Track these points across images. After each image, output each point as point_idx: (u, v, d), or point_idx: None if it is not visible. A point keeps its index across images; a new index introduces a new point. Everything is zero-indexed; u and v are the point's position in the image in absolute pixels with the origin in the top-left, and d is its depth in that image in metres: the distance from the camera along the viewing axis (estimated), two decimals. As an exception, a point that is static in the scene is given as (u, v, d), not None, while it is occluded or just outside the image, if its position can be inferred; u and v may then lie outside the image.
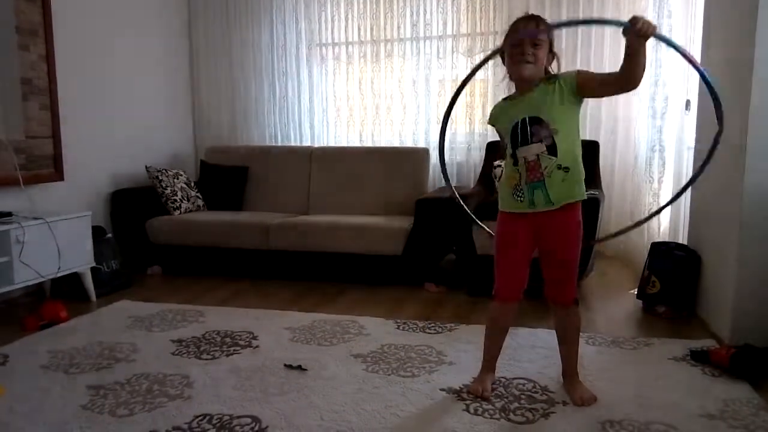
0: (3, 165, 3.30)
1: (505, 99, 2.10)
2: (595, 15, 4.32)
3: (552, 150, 1.93)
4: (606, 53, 4.34)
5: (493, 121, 2.14)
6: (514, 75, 1.99)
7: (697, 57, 3.30)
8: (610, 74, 1.91)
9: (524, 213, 2.01)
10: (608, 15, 4.31)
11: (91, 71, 4.06)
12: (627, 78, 1.83)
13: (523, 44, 1.91)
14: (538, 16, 1.97)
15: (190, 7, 5.10)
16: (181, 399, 2.15)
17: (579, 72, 1.96)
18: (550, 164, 1.93)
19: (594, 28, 4.33)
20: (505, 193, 2.07)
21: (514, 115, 1.98)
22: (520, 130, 1.96)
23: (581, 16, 4.34)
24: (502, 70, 2.06)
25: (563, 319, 2.16)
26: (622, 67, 1.83)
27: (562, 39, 4.35)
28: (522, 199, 2.00)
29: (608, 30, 4.32)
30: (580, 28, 4.33)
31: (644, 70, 1.81)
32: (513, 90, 2.07)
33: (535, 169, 1.94)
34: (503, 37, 2.03)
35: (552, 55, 1.98)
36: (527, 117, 1.95)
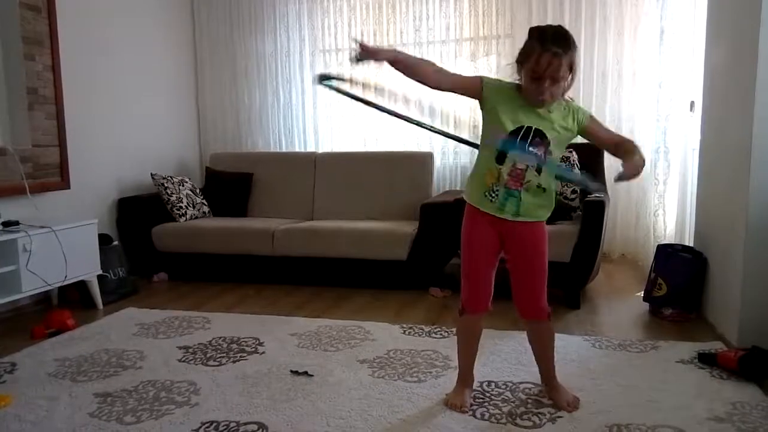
0: (10, 174, 3.33)
1: (514, 89, 1.93)
2: (598, 17, 4.32)
3: (539, 168, 1.92)
4: (609, 53, 4.34)
5: (493, 93, 1.93)
6: (528, 96, 1.89)
7: (701, 59, 3.31)
8: (611, 140, 1.99)
9: (494, 217, 1.96)
10: (611, 18, 4.31)
11: (97, 80, 4.08)
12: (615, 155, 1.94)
13: (543, 81, 1.82)
14: (569, 38, 1.83)
15: (195, 16, 5.13)
16: (188, 406, 2.15)
17: (592, 119, 1.98)
18: (533, 180, 1.92)
19: (597, 28, 4.32)
20: (478, 187, 1.99)
21: (522, 119, 1.90)
22: (522, 134, 1.90)
23: (583, 19, 4.34)
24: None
25: (538, 334, 2.14)
26: (618, 150, 1.93)
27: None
28: (494, 200, 1.95)
29: (612, 31, 4.31)
30: (584, 28, 4.33)
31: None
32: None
33: (518, 177, 1.91)
34: (529, 43, 1.85)
35: (571, 76, 1.88)
36: (534, 127, 1.90)
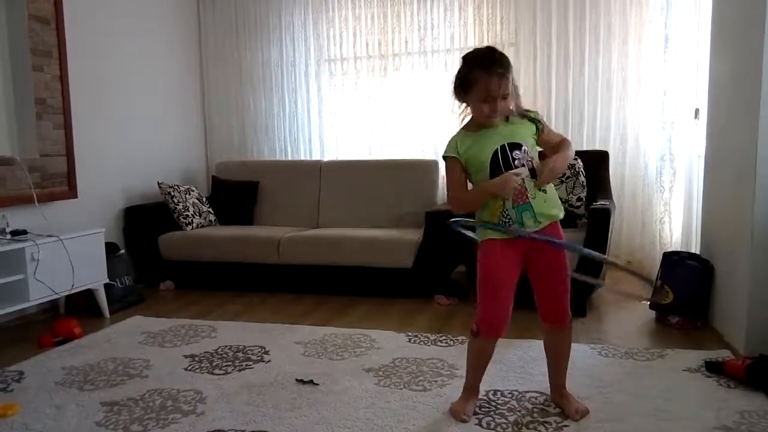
0: (18, 183, 3.36)
1: (465, 130, 2.03)
2: (602, 25, 4.33)
3: (533, 173, 1.96)
4: (613, 60, 4.34)
5: (461, 151, 2.01)
6: (480, 120, 1.97)
7: (705, 66, 3.31)
8: (557, 140, 2.06)
9: (513, 239, 1.98)
10: (615, 26, 4.31)
11: (104, 90, 4.12)
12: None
13: (495, 100, 1.89)
14: (504, 56, 1.90)
15: (201, 26, 5.17)
16: (194, 415, 2.16)
17: (544, 128, 2.04)
18: (533, 186, 1.96)
19: (602, 36, 4.33)
20: (488, 217, 2.01)
21: (490, 145, 1.96)
22: (501, 157, 1.94)
23: (588, 27, 4.35)
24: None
25: (558, 341, 2.14)
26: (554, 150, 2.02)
27: (569, 46, 4.35)
28: (511, 224, 1.97)
29: (616, 38, 4.32)
30: (588, 35, 4.34)
31: (567, 164, 2.04)
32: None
33: (521, 192, 1.94)
34: (469, 72, 1.92)
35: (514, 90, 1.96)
36: (506, 144, 1.95)
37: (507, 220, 1.97)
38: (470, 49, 2.01)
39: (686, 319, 3.04)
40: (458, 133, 2.06)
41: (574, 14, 4.36)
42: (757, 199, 2.49)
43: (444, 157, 2.06)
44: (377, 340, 2.93)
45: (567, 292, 2.07)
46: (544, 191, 1.99)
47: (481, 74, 1.88)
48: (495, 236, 2.01)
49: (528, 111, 2.05)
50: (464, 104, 2.01)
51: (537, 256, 2.02)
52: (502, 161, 1.95)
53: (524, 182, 1.94)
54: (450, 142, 2.06)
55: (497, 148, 1.95)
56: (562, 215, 2.06)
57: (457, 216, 2.08)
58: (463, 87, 1.95)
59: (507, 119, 2.00)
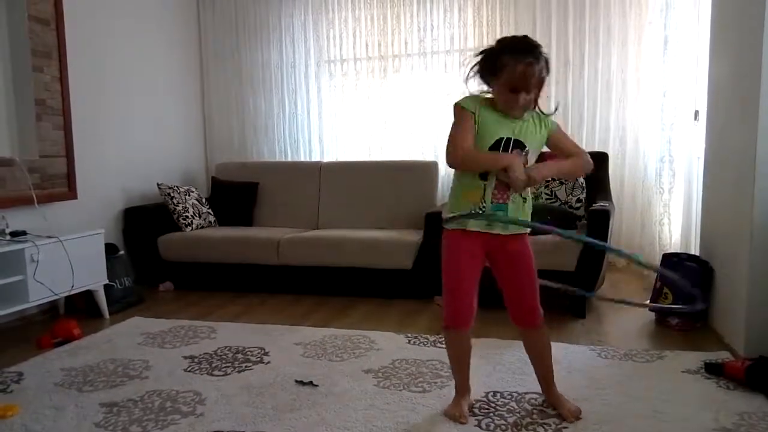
0: (17, 184, 3.35)
1: (486, 100, 1.96)
2: (602, 27, 4.34)
3: None
4: (613, 62, 4.35)
5: (477, 113, 1.93)
6: (503, 108, 1.92)
7: (705, 68, 3.31)
8: (574, 150, 2.03)
9: (479, 233, 1.96)
10: (615, 28, 4.33)
11: (103, 91, 4.12)
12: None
13: (518, 92, 1.85)
14: (539, 47, 1.87)
15: (201, 27, 5.18)
16: (193, 416, 2.16)
17: (558, 130, 2.01)
18: (515, 190, 1.93)
19: (601, 37, 4.34)
20: (462, 205, 1.98)
21: (499, 131, 1.93)
22: (503, 147, 1.92)
23: (587, 28, 4.36)
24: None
25: (534, 341, 2.14)
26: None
27: (569, 50, 4.36)
28: (480, 218, 1.95)
29: (616, 40, 4.33)
30: (588, 37, 4.35)
31: (576, 171, 2.11)
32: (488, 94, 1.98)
33: (503, 191, 1.93)
34: (500, 55, 1.87)
35: (541, 85, 1.92)
36: (512, 138, 1.93)
37: (481, 211, 1.95)
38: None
39: (686, 320, 3.04)
40: (481, 96, 1.96)
41: (574, 16, 4.37)
42: (757, 200, 2.49)
43: (458, 106, 1.95)
44: (377, 341, 2.93)
45: (534, 292, 2.06)
46: (524, 199, 1.97)
47: (513, 62, 1.83)
48: (461, 225, 1.98)
49: (547, 114, 2.00)
50: (487, 86, 1.94)
51: (501, 258, 2.02)
52: (500, 151, 1.92)
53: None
54: (470, 97, 1.96)
55: (503, 138, 1.92)
56: (527, 231, 2.04)
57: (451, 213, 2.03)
58: (492, 70, 1.89)
59: (527, 115, 1.95)
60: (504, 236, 1.98)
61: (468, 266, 2.02)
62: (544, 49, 1.91)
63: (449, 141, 1.95)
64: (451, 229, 2.02)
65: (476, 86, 1.97)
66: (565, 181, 3.74)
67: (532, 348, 2.16)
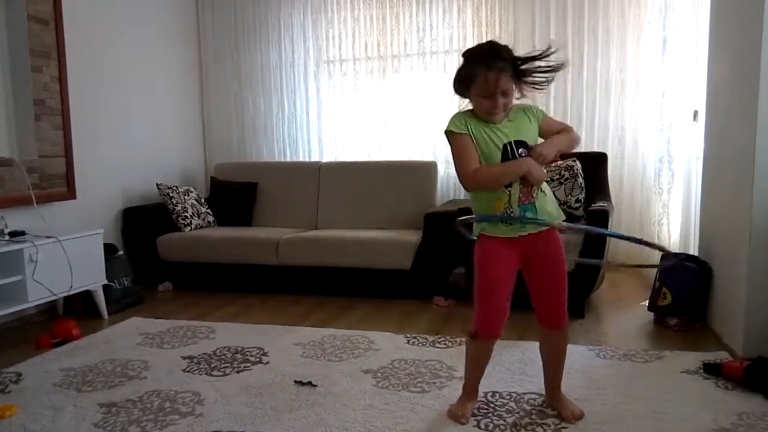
0: (16, 184, 3.35)
1: (469, 113, 1.98)
2: (601, 27, 4.34)
3: None
4: (612, 62, 4.35)
5: (471, 129, 1.94)
6: (485, 116, 1.94)
7: (704, 68, 3.31)
8: (561, 129, 2.04)
9: (513, 238, 1.97)
10: (613, 28, 4.33)
11: (103, 91, 4.12)
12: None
13: (495, 96, 1.87)
14: (504, 50, 1.89)
15: (200, 27, 5.17)
16: (192, 416, 2.15)
17: (545, 115, 2.03)
18: (537, 186, 1.95)
19: (600, 37, 4.35)
20: (490, 213, 1.97)
21: (497, 138, 1.93)
22: (510, 153, 1.92)
23: (586, 28, 4.36)
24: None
25: (555, 343, 2.13)
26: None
27: (568, 47, 4.36)
28: (512, 222, 1.95)
29: (615, 40, 4.33)
30: (587, 37, 4.35)
31: (571, 144, 2.03)
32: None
33: (527, 192, 1.93)
34: (469, 67, 1.90)
35: (517, 83, 1.93)
36: (513, 140, 1.93)
37: (510, 215, 1.95)
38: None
39: (684, 320, 3.05)
40: (464, 112, 1.99)
41: (573, 16, 4.38)
42: (756, 200, 2.50)
43: (450, 133, 1.96)
44: (376, 341, 2.93)
45: (564, 293, 2.06)
46: (544, 192, 1.99)
47: (481, 70, 1.87)
48: (493, 233, 1.99)
49: (528, 106, 2.02)
50: (467, 99, 1.98)
51: (535, 257, 2.01)
52: (512, 157, 1.92)
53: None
54: (455, 119, 1.97)
55: (505, 144, 1.93)
56: (561, 215, 2.05)
57: (464, 215, 2.05)
58: (464, 83, 1.93)
59: (513, 112, 1.97)
60: (537, 233, 1.98)
61: (503, 275, 2.00)
62: (513, 48, 1.94)
63: (458, 170, 1.97)
64: (486, 235, 2.00)
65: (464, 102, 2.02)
66: (564, 181, 3.74)
67: (550, 349, 2.15)
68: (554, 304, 2.06)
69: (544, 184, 2.00)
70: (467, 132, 1.94)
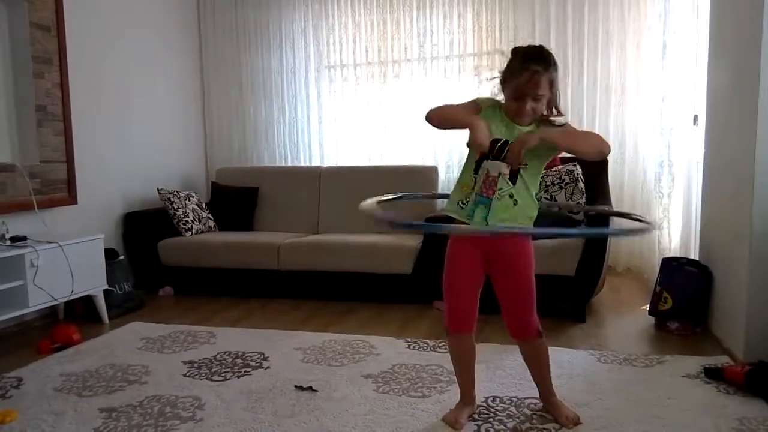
0: (18, 190, 3.36)
1: (498, 106, 1.98)
2: (601, 31, 4.35)
3: (513, 178, 1.92)
4: (612, 67, 4.36)
5: (487, 114, 1.96)
6: (512, 114, 1.94)
7: (704, 72, 3.32)
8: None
9: (476, 237, 1.98)
10: (614, 32, 4.34)
11: (104, 97, 4.13)
12: (582, 156, 1.99)
13: (525, 99, 1.87)
14: (549, 57, 1.88)
15: (201, 33, 5.19)
16: (192, 421, 2.15)
17: (569, 127, 1.99)
18: (505, 188, 1.92)
19: (600, 42, 4.36)
20: (454, 198, 2.01)
21: (500, 133, 1.94)
22: (498, 146, 1.92)
23: (586, 32, 4.37)
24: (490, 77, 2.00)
25: (531, 354, 2.13)
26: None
27: (568, 52, 4.37)
28: (464, 207, 1.96)
29: (615, 45, 4.35)
30: (587, 42, 4.36)
31: (591, 147, 1.95)
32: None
33: (490, 185, 1.92)
34: (511, 62, 1.91)
35: (553, 93, 1.91)
36: (507, 140, 1.93)
37: (466, 202, 1.96)
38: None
39: (685, 325, 3.04)
40: (497, 102, 1.99)
41: (573, 21, 4.39)
42: (756, 204, 2.50)
43: (474, 99, 2.02)
44: (376, 346, 2.93)
45: (529, 302, 2.03)
46: (515, 202, 1.92)
47: (518, 69, 1.86)
48: (452, 214, 2.00)
49: (558, 124, 1.97)
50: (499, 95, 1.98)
51: (498, 264, 2.02)
52: (497, 150, 1.91)
53: (498, 177, 1.91)
54: (490, 98, 1.99)
55: (501, 140, 1.92)
56: (524, 231, 2.01)
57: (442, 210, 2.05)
58: (504, 78, 1.93)
59: (538, 125, 1.94)
60: (494, 239, 1.97)
61: (464, 267, 2.02)
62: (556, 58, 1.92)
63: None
64: (454, 234, 2.05)
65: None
66: (565, 185, 3.74)
67: (527, 358, 2.16)
68: (516, 314, 2.06)
69: (522, 194, 1.93)
70: (481, 107, 1.97)
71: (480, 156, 1.95)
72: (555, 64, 1.88)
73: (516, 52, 1.93)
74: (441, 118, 2.02)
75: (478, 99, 2.01)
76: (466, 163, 2.03)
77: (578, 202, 3.74)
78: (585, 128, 4.39)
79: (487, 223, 1.92)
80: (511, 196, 1.93)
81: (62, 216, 3.70)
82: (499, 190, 1.92)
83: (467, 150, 2.04)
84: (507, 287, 2.04)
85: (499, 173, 1.92)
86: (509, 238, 2.00)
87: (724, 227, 2.91)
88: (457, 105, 2.03)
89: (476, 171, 1.96)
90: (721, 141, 2.98)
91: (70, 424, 2.15)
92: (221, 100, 5.21)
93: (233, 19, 5.09)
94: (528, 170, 1.93)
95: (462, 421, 2.07)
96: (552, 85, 1.88)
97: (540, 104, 1.90)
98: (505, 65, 1.94)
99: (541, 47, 1.93)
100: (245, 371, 2.64)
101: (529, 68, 1.84)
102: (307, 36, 4.98)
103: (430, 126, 2.04)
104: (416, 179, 4.42)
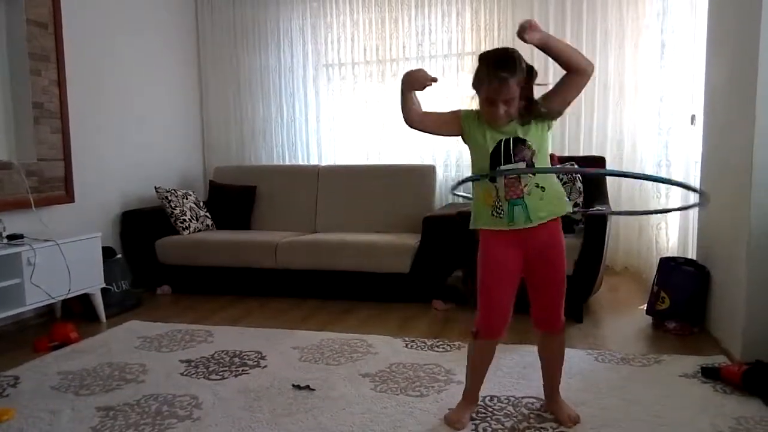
0: (15, 188, 3.35)
1: (476, 115, 1.99)
2: (599, 30, 4.35)
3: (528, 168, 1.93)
4: (610, 66, 4.36)
5: (467, 125, 2.00)
6: (487, 120, 1.95)
7: (701, 72, 3.32)
8: (562, 79, 1.95)
9: (505, 231, 1.96)
10: (612, 31, 4.34)
11: (101, 94, 4.12)
12: (570, 72, 1.92)
13: (496, 104, 1.87)
14: (514, 59, 1.86)
15: (199, 31, 5.18)
16: (190, 420, 2.15)
17: (543, 97, 1.96)
18: (530, 182, 1.93)
19: (598, 41, 4.36)
20: (482, 210, 1.99)
21: (494, 137, 1.94)
22: (503, 149, 1.93)
23: (585, 31, 4.37)
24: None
25: (551, 347, 2.13)
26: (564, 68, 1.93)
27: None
28: (501, 216, 1.95)
29: (613, 44, 4.34)
30: (585, 41, 4.36)
31: (578, 57, 1.93)
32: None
33: (514, 186, 1.92)
34: (479, 72, 1.90)
35: (523, 88, 1.90)
36: (511, 138, 1.93)
37: (500, 210, 1.95)
38: (468, 54, 2.01)
39: (683, 324, 3.05)
40: (475, 111, 2.00)
41: (572, 20, 4.38)
42: (754, 204, 2.50)
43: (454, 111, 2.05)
44: (374, 345, 2.93)
45: (562, 296, 2.05)
46: (542, 188, 1.93)
47: (485, 76, 1.87)
48: (487, 226, 1.99)
49: (541, 109, 1.95)
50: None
51: (534, 254, 1.99)
52: (503, 154, 1.92)
53: (519, 176, 1.92)
54: (468, 111, 2.02)
55: (501, 140, 1.93)
56: (564, 210, 2.00)
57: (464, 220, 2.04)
58: (473, 84, 1.95)
59: (522, 123, 1.94)
60: (529, 229, 1.95)
61: (499, 277, 2.00)
62: (527, 57, 1.91)
63: None
64: (486, 231, 2.01)
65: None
66: (563, 184, 3.74)
67: (546, 353, 2.15)
68: (549, 306, 2.06)
69: (546, 177, 1.95)
70: (461, 117, 2.01)
71: (490, 162, 1.94)
72: (522, 63, 1.88)
73: (483, 59, 1.92)
74: (403, 112, 2.12)
75: (460, 110, 2.03)
76: (473, 184, 2.03)
77: (576, 202, 3.74)
78: (583, 128, 4.41)
79: (531, 220, 1.93)
80: (537, 186, 1.93)
81: (59, 214, 3.69)
82: (525, 186, 1.92)
83: (465, 149, 2.05)
84: (544, 281, 2.02)
85: (518, 175, 1.92)
86: (547, 228, 1.96)
87: (721, 227, 2.92)
88: (434, 111, 2.09)
89: (491, 180, 1.94)
90: (719, 140, 2.99)
91: (68, 423, 2.15)
92: (219, 98, 5.20)
93: (231, 17, 5.08)
94: (538, 155, 1.93)
95: (464, 421, 2.07)
96: (520, 82, 1.87)
97: (512, 107, 1.90)
98: (475, 72, 1.93)
99: (506, 51, 1.92)
100: (243, 370, 2.64)
101: (498, 75, 1.84)
102: (305, 34, 4.97)
103: (416, 130, 2.11)
104: (414, 178, 4.42)
